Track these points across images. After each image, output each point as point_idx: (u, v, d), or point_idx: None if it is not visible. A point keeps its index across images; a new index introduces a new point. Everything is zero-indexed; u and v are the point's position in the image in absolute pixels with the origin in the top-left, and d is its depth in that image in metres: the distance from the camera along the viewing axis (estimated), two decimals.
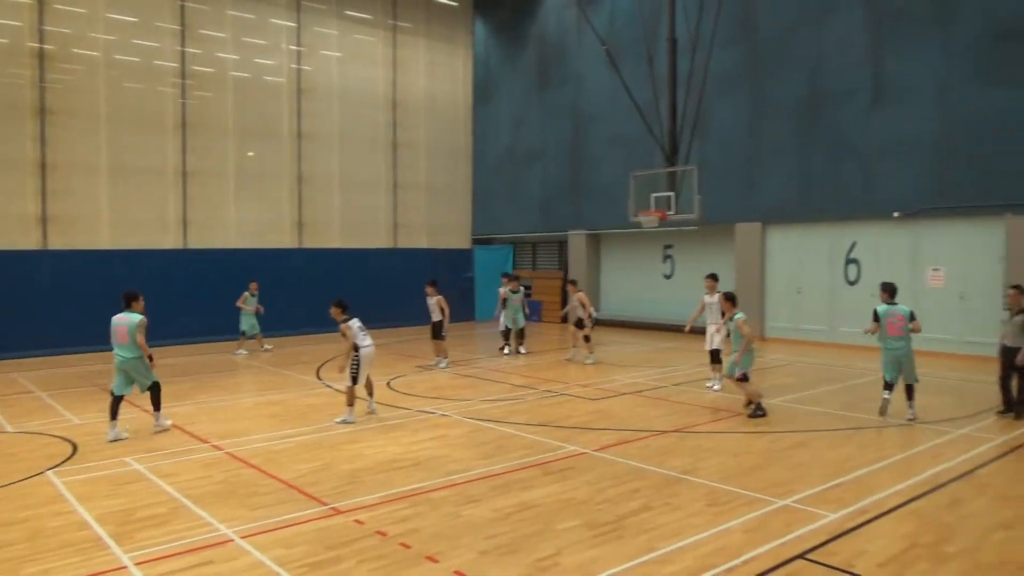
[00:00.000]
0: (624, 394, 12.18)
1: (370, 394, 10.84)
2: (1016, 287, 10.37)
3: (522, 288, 17.81)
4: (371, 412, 10.72)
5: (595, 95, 23.31)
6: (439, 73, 25.55)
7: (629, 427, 9.80)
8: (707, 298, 12.73)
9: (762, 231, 19.46)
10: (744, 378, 10.41)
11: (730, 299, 11.02)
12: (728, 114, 19.81)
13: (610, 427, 9.82)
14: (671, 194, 17.41)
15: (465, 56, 26.40)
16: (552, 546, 5.81)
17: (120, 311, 9.87)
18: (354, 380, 10.23)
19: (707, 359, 12.81)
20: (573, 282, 16.95)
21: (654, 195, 17.90)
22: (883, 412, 10.22)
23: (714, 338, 12.58)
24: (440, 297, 15.25)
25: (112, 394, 9.54)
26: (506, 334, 17.32)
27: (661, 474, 7.69)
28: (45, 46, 17.80)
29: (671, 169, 17.66)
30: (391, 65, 24.15)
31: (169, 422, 10.06)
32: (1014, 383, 10.23)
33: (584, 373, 14.54)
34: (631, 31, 21.33)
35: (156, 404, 9.86)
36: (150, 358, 9.67)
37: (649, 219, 17.67)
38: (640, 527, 6.20)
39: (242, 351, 17.63)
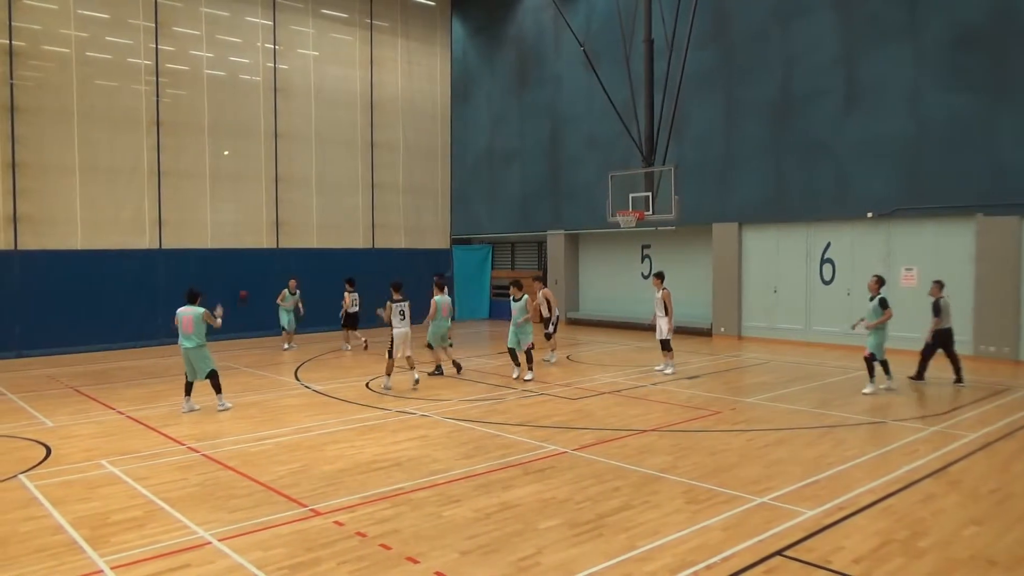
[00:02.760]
0: (603, 393, 12.23)
1: (411, 368, 13.07)
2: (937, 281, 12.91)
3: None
4: (415, 386, 12.79)
5: (573, 96, 23.39)
6: (417, 73, 25.46)
7: (608, 426, 9.85)
8: (656, 295, 14.24)
9: (738, 231, 19.65)
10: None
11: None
12: (704, 115, 19.99)
13: (589, 426, 9.86)
14: (648, 194, 17.52)
15: (443, 56, 26.33)
16: (533, 545, 5.82)
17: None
18: (389, 353, 12.70)
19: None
20: (540, 279, 17.09)
21: (632, 195, 18.00)
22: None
23: (662, 329, 14.04)
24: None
25: (187, 377, 11.05)
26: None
27: (640, 473, 7.74)
28: (15, 42, 17.48)
29: (648, 169, 17.77)
30: (368, 65, 24.02)
31: (230, 404, 11.28)
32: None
33: (563, 373, 14.58)
34: (608, 32, 21.43)
35: (216, 388, 11.09)
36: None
37: (627, 219, 17.76)
38: (620, 525, 6.24)
39: (292, 345, 18.74)
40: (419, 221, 25.54)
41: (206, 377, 10.99)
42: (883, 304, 12.00)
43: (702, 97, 19.87)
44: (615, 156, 21.10)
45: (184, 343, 10.86)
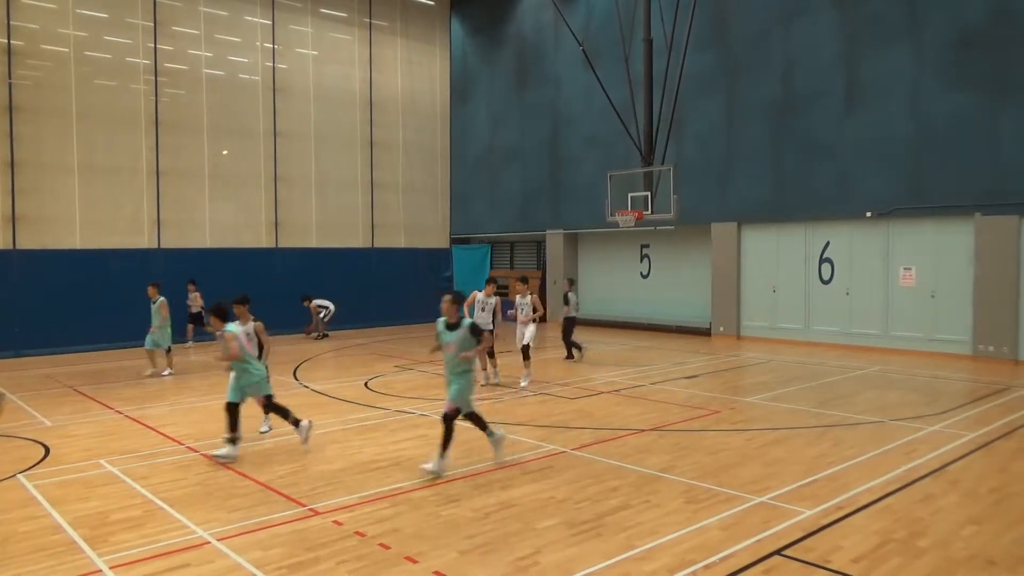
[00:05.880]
0: (602, 393, 12.23)
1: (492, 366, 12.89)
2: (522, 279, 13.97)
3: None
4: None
5: (572, 95, 23.39)
6: (416, 72, 25.45)
7: (607, 426, 9.85)
8: (519, 299, 13.65)
9: (738, 231, 19.65)
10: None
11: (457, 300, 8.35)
12: (703, 115, 19.99)
13: (588, 426, 9.86)
14: (647, 194, 17.54)
15: (442, 55, 26.33)
16: (532, 545, 5.82)
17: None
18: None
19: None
20: (523, 280, 14.55)
21: (631, 195, 18.01)
22: None
23: (524, 335, 13.35)
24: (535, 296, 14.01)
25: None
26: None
27: (639, 472, 7.74)
28: (13, 42, 17.47)
29: (648, 169, 17.79)
30: (367, 64, 24.01)
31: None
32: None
33: (562, 372, 14.58)
34: (608, 32, 21.43)
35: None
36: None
37: (626, 219, 17.77)
38: (619, 525, 6.24)
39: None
40: (419, 220, 25.54)
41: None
42: None
43: (702, 97, 19.87)
44: (614, 156, 21.10)
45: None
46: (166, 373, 14.47)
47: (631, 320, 22.32)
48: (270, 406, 8.81)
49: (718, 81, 19.75)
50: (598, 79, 18.85)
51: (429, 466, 7.68)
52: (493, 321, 12.83)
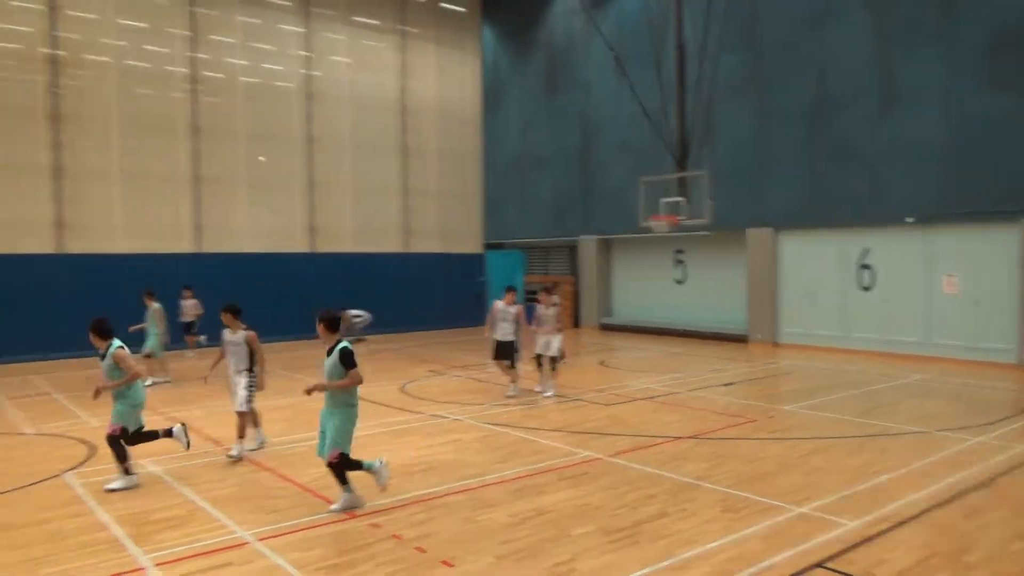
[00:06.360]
0: (637, 399, 12.15)
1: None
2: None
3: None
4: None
5: (603, 101, 23.33)
6: (448, 79, 25.62)
7: (643, 432, 9.77)
8: (542, 309, 12.60)
9: (773, 236, 19.40)
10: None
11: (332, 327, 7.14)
12: (736, 119, 19.78)
13: (624, 432, 9.80)
14: (681, 199, 17.43)
15: (474, 62, 26.47)
16: (568, 551, 5.79)
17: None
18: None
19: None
20: (548, 289, 13.28)
21: (664, 200, 17.91)
22: None
23: (551, 345, 12.45)
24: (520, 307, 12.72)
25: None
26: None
27: (676, 480, 7.66)
28: (57, 52, 17.94)
29: (681, 175, 17.68)
30: (400, 71, 24.23)
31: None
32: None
33: (597, 379, 14.51)
34: (639, 37, 21.34)
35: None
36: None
37: (659, 224, 17.68)
38: (656, 533, 6.18)
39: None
40: (452, 226, 25.67)
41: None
42: None
43: (734, 101, 19.67)
44: (646, 161, 20.99)
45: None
46: (150, 382, 13.26)
47: (665, 326, 22.15)
48: (127, 439, 7.60)
49: (750, 85, 19.53)
50: (629, 84, 18.78)
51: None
52: (517, 331, 12.46)
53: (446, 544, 5.96)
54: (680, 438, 9.49)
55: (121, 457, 7.49)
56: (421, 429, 10.13)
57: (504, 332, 12.23)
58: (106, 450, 9.09)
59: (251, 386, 8.68)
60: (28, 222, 17.69)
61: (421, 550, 5.84)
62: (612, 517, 6.56)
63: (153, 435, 7.91)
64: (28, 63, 17.64)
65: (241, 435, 8.63)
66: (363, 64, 23.42)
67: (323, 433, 6.83)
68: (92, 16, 18.45)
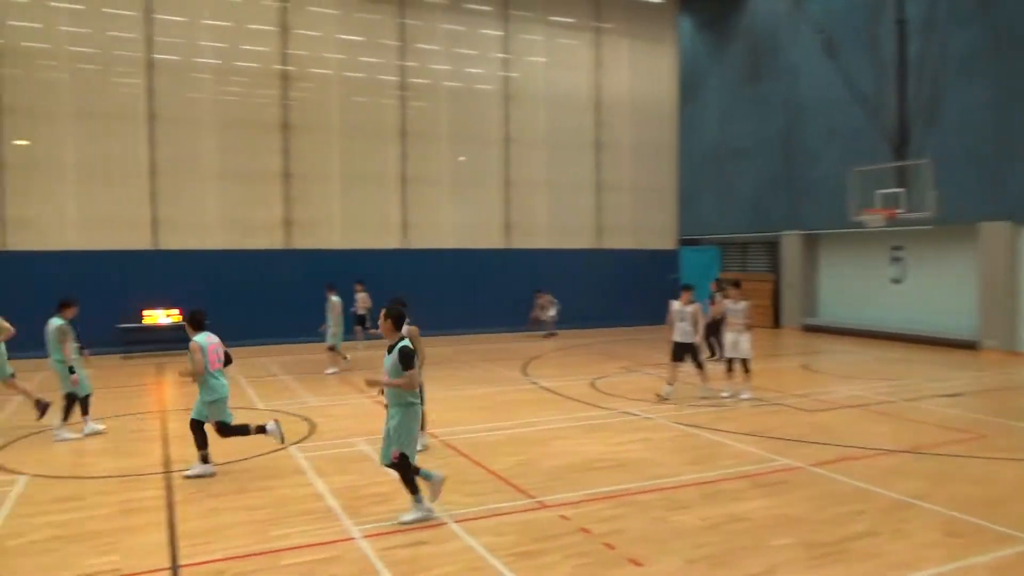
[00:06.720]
0: (845, 407, 11.28)
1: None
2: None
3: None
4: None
5: (810, 86, 21.84)
6: (643, 72, 25.29)
7: (851, 443, 9.04)
8: (732, 305, 12.15)
9: (1013, 230, 17.11)
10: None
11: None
12: (968, 100, 17.61)
13: (829, 442, 9.13)
14: (900, 190, 15.91)
15: (670, 53, 25.90)
16: (765, 562, 5.51)
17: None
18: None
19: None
20: (736, 284, 12.98)
21: (880, 192, 16.45)
22: None
23: (739, 345, 11.92)
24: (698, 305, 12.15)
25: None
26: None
27: (889, 497, 7.02)
28: (287, 68, 19.98)
29: (900, 163, 16.13)
30: (594, 67, 24.28)
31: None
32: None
33: (799, 383, 13.66)
34: (851, 15, 19.70)
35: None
36: None
37: (874, 218, 16.30)
38: (865, 552, 5.71)
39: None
40: (645, 221, 25.35)
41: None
42: None
43: (965, 80, 17.52)
44: (859, 149, 19.36)
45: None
46: (331, 371, 14.60)
47: (879, 329, 20.33)
48: (225, 431, 7.95)
49: (985, 60, 17.27)
50: (841, 67, 17.42)
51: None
52: (695, 330, 11.84)
53: (635, 542, 5.91)
54: (894, 451, 8.68)
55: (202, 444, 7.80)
56: (611, 426, 10.12)
57: (682, 333, 11.78)
58: (328, 426, 10.04)
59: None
60: (262, 222, 19.86)
61: (610, 546, 5.83)
62: (814, 531, 6.15)
63: (240, 429, 8.01)
64: (264, 79, 19.81)
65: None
66: (558, 62, 23.76)
67: (387, 434, 6.50)
68: (317, 33, 20.34)
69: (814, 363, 16.19)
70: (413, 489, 6.41)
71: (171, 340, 17.85)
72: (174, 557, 5.70)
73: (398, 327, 6.59)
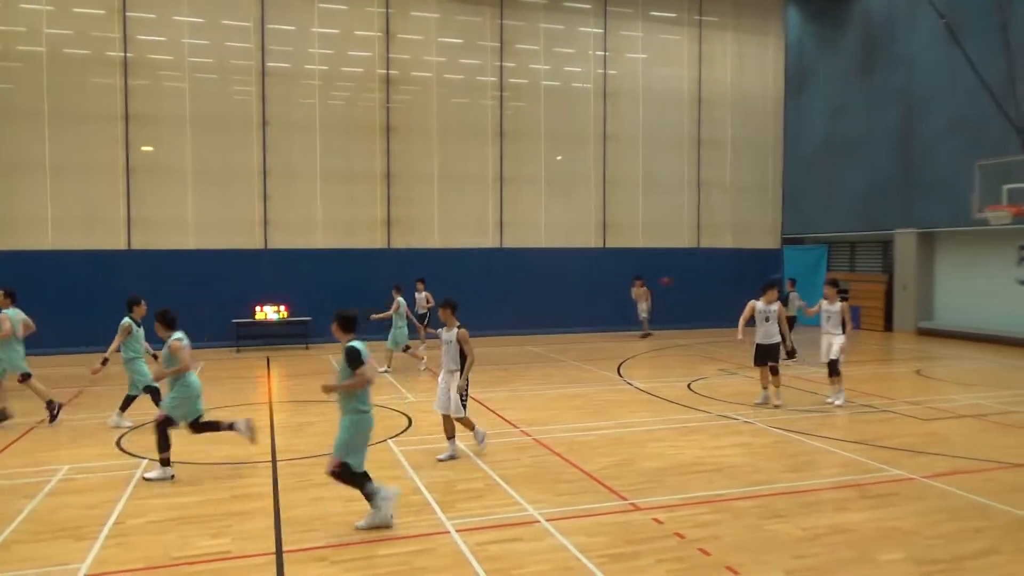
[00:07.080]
0: (963, 416, 10.58)
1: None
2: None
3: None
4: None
5: (930, 76, 20.58)
6: (747, 66, 24.53)
7: (970, 455, 8.47)
8: (827, 305, 11.52)
9: None
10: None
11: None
12: None
13: (944, 453, 8.59)
14: None
15: (776, 46, 25.01)
16: None
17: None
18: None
19: None
20: (833, 283, 11.92)
21: (1007, 187, 15.32)
22: None
23: (832, 347, 11.32)
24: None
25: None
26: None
27: (1012, 514, 6.54)
28: (390, 72, 20.54)
29: None
30: (696, 62, 23.75)
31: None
32: None
33: (913, 389, 12.92)
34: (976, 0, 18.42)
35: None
36: None
37: (999, 215, 15.21)
38: (983, 572, 5.34)
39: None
40: (747, 220, 24.60)
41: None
42: None
43: None
44: (984, 142, 18.10)
45: None
46: (383, 370, 14.44)
47: (1005, 334, 18.95)
48: (199, 428, 8.02)
49: None
50: (965, 54, 16.34)
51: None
52: (780, 332, 11.44)
53: (731, 550, 5.75)
54: (1018, 465, 8.08)
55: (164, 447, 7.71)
56: (708, 429, 9.88)
57: (767, 334, 11.29)
58: (424, 421, 10.28)
59: (465, 390, 8.36)
60: (364, 222, 20.52)
61: (705, 552, 5.70)
62: (927, 547, 5.81)
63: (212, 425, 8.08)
64: (368, 83, 20.46)
65: (450, 435, 8.42)
66: (658, 58, 23.39)
67: (335, 442, 6.34)
68: (418, 37, 20.83)
69: (929, 369, 15.27)
70: (368, 496, 6.22)
71: (280, 335, 18.80)
72: (279, 542, 5.98)
73: (346, 330, 6.41)
